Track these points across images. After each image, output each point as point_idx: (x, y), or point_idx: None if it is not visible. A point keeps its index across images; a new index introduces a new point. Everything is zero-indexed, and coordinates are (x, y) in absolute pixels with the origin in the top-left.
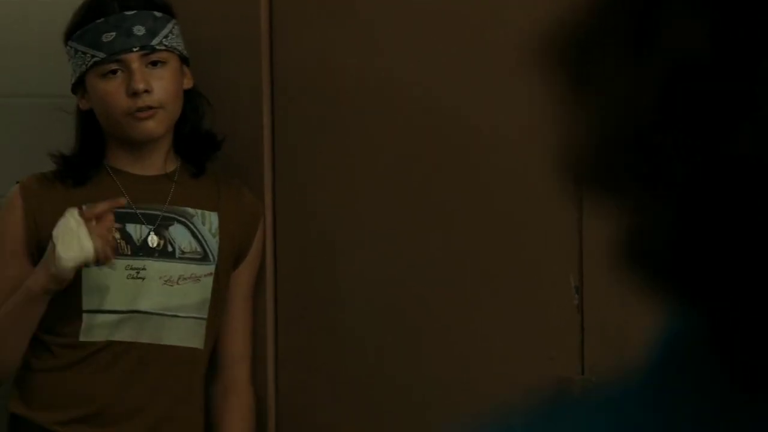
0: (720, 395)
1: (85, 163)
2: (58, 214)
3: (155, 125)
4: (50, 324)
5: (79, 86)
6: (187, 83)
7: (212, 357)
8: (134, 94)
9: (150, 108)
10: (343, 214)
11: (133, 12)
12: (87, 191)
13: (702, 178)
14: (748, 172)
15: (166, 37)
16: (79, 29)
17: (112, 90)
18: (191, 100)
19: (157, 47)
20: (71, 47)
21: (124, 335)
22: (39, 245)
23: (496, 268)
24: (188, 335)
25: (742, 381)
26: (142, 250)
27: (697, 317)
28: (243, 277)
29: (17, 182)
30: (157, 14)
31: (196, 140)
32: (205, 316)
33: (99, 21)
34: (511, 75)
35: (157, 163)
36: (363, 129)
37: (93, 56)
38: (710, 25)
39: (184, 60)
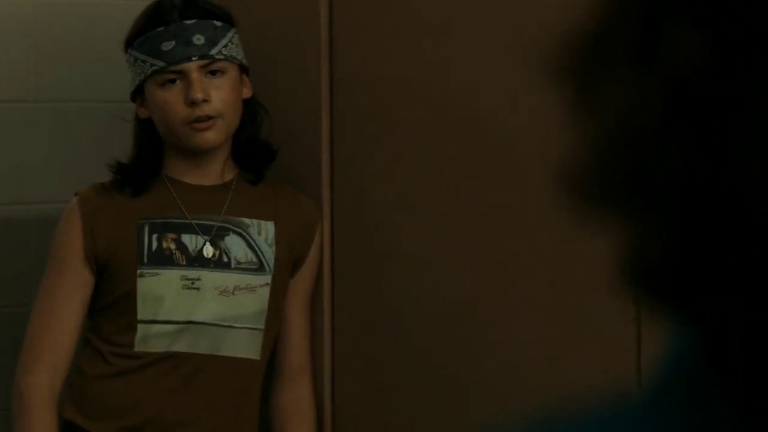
0: (720, 415)
1: (143, 172)
2: (116, 224)
3: (214, 135)
4: (105, 333)
5: (138, 94)
6: (246, 92)
7: (271, 367)
8: (192, 103)
9: (209, 118)
10: (400, 222)
11: (193, 21)
12: (144, 201)
13: (701, 196)
14: (748, 187)
15: (225, 46)
16: (139, 37)
17: (170, 99)
18: (250, 109)
19: (216, 57)
20: (131, 55)
21: (179, 346)
22: (96, 256)
23: (553, 278)
24: (245, 346)
25: (743, 400)
26: (197, 260)
27: (696, 336)
28: (300, 284)
29: (76, 194)
30: (217, 23)
31: (253, 149)
32: (262, 327)
33: (159, 29)
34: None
35: (215, 172)
36: (419, 139)
37: (152, 65)
38: (711, 36)
39: (243, 69)
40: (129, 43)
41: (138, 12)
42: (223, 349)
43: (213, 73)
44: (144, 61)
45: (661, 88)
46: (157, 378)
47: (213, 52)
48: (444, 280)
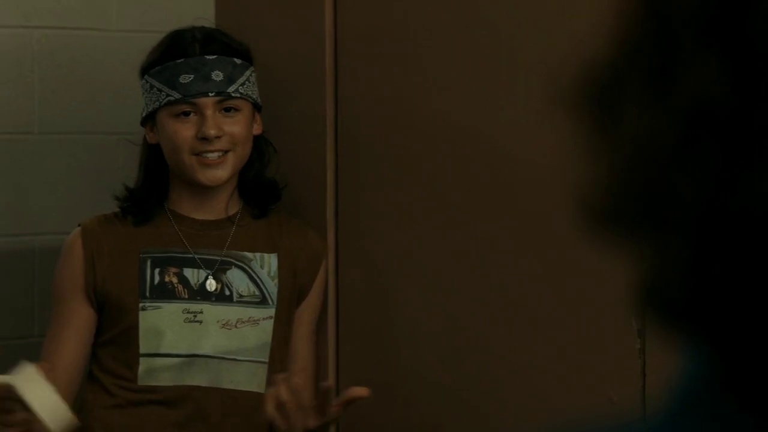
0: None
1: (148, 199)
2: (118, 256)
3: (221, 173)
4: (109, 366)
5: (149, 119)
6: (257, 129)
7: None
8: (204, 138)
9: (218, 153)
10: (405, 253)
11: (213, 57)
12: (147, 234)
13: (719, 221)
14: (764, 216)
15: (242, 84)
16: (157, 65)
17: (182, 130)
18: (258, 145)
19: (233, 95)
20: (147, 81)
21: (183, 379)
22: (96, 289)
23: (557, 310)
24: (248, 379)
25: (758, 423)
26: (199, 293)
27: (712, 359)
28: (303, 316)
29: (79, 225)
30: (237, 61)
31: (259, 187)
32: (266, 360)
33: (179, 61)
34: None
35: (219, 207)
36: (424, 170)
37: (168, 95)
38: (730, 68)
39: (256, 107)
40: (146, 70)
41: (143, 44)
42: (226, 382)
43: (227, 110)
44: (160, 90)
45: (680, 116)
46: (160, 411)
47: (230, 89)
48: (446, 314)
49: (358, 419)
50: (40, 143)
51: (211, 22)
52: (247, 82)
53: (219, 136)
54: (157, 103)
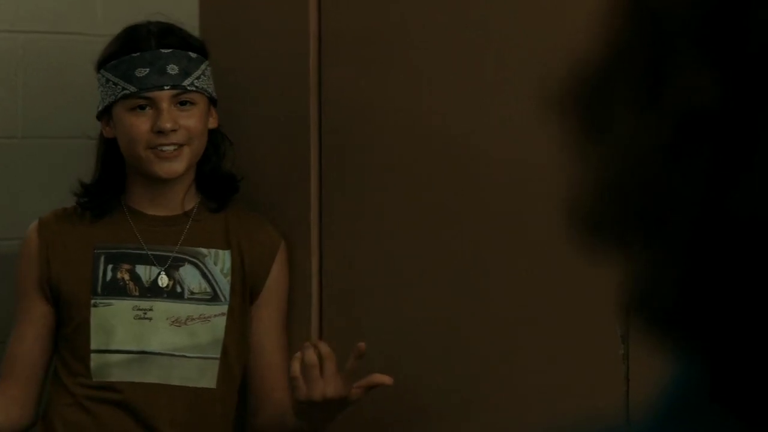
0: None
1: (103, 193)
2: (72, 252)
3: (177, 165)
4: (67, 362)
5: (105, 114)
6: (212, 123)
7: (247, 399)
8: (160, 132)
9: (174, 146)
10: (389, 253)
11: (169, 50)
12: (102, 230)
13: (709, 228)
14: (755, 223)
15: (198, 78)
16: (113, 60)
17: (138, 124)
18: (214, 139)
19: (189, 88)
20: (103, 75)
21: (133, 375)
22: (50, 283)
23: (540, 315)
24: (197, 375)
25: (747, 429)
26: (150, 291)
27: (701, 366)
28: (262, 313)
29: (38, 218)
30: (192, 55)
31: (217, 180)
32: (218, 356)
33: (134, 55)
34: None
35: (175, 202)
36: (409, 170)
37: (123, 88)
38: (720, 75)
39: (212, 101)
40: (102, 64)
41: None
42: (175, 378)
43: (183, 103)
44: (116, 84)
45: (670, 123)
46: (115, 407)
47: (185, 83)
48: (434, 307)
49: (341, 417)
50: (24, 148)
51: (195, 25)
52: (202, 76)
53: (175, 130)
54: (113, 96)
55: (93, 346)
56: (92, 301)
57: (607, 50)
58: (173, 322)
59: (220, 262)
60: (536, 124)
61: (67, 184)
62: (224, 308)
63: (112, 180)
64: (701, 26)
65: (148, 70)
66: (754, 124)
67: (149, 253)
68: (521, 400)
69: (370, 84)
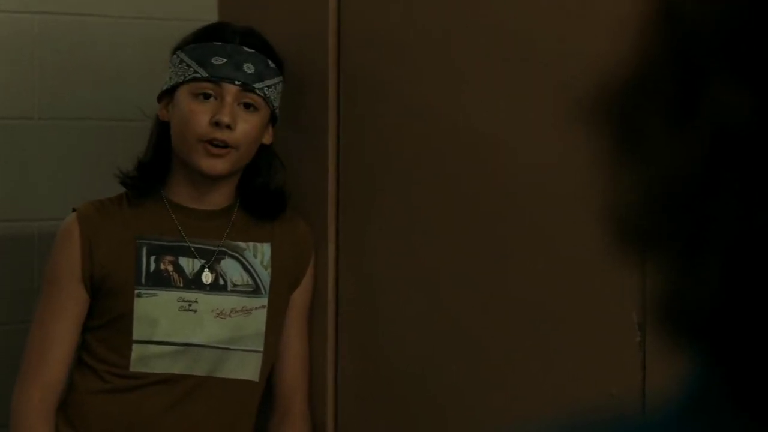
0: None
1: (150, 177)
2: (115, 243)
3: (222, 165)
4: (100, 352)
5: (167, 95)
6: (268, 139)
7: (268, 389)
8: (216, 124)
9: (226, 146)
10: (407, 257)
11: (251, 50)
12: (143, 222)
13: (742, 244)
14: None
15: (269, 87)
16: (193, 43)
17: (197, 110)
18: (267, 156)
19: (258, 92)
20: (178, 56)
21: (177, 368)
22: (93, 275)
23: (557, 304)
24: (242, 368)
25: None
26: (194, 283)
27: (720, 371)
28: (296, 303)
29: (73, 209)
30: (271, 64)
31: (265, 196)
32: (261, 349)
33: (216, 43)
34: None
35: (215, 200)
36: (429, 174)
37: (195, 71)
38: (752, 93)
39: (273, 117)
40: (180, 46)
41: (144, 31)
42: (221, 371)
43: (247, 106)
44: (189, 66)
45: (703, 138)
46: (151, 398)
47: (257, 85)
48: (447, 308)
49: (355, 416)
50: (40, 129)
51: (214, 12)
52: (274, 88)
53: (230, 127)
54: (182, 77)
55: (136, 336)
56: (136, 291)
57: (638, 62)
58: (218, 314)
59: (260, 254)
60: (560, 127)
61: (82, 166)
62: (264, 301)
63: (159, 166)
64: (732, 44)
65: (225, 60)
66: None
67: (191, 246)
68: (539, 389)
69: (390, 82)
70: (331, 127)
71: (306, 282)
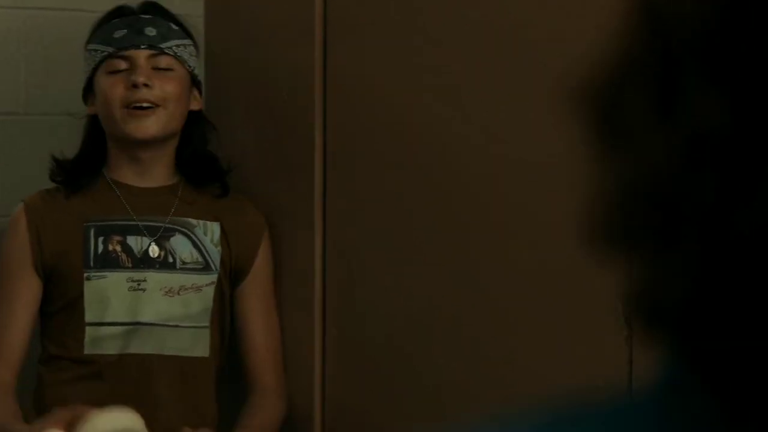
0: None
1: (81, 166)
2: (62, 229)
3: (151, 124)
4: (57, 337)
5: (89, 91)
6: (195, 105)
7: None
8: (134, 86)
9: (149, 106)
10: (394, 244)
11: (148, 16)
12: (90, 204)
13: (716, 241)
14: (761, 240)
15: (178, 47)
16: (95, 31)
17: (114, 83)
18: (197, 122)
19: (166, 51)
20: (86, 50)
21: (127, 347)
22: (44, 262)
23: (544, 298)
24: (192, 344)
25: (737, 417)
26: (143, 262)
27: (693, 368)
28: (252, 291)
29: (22, 201)
30: (174, 27)
31: (197, 162)
32: (207, 324)
33: (114, 20)
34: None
35: (158, 175)
36: (414, 164)
37: (102, 51)
38: (730, 97)
39: (195, 81)
40: (87, 41)
41: None
42: (170, 348)
43: (161, 70)
44: (95, 50)
45: (681, 139)
46: (110, 380)
47: (163, 45)
48: (438, 297)
49: (343, 402)
50: (26, 123)
51: (200, 8)
52: (183, 48)
53: (148, 85)
54: (93, 62)
55: (88, 318)
56: (85, 275)
57: (620, 59)
58: (167, 292)
59: (209, 232)
60: (546, 122)
61: (39, 160)
62: (214, 277)
63: (92, 155)
64: (709, 44)
65: (125, 31)
66: (763, 146)
67: (140, 224)
68: (526, 384)
69: (376, 78)
70: (317, 121)
71: (258, 270)
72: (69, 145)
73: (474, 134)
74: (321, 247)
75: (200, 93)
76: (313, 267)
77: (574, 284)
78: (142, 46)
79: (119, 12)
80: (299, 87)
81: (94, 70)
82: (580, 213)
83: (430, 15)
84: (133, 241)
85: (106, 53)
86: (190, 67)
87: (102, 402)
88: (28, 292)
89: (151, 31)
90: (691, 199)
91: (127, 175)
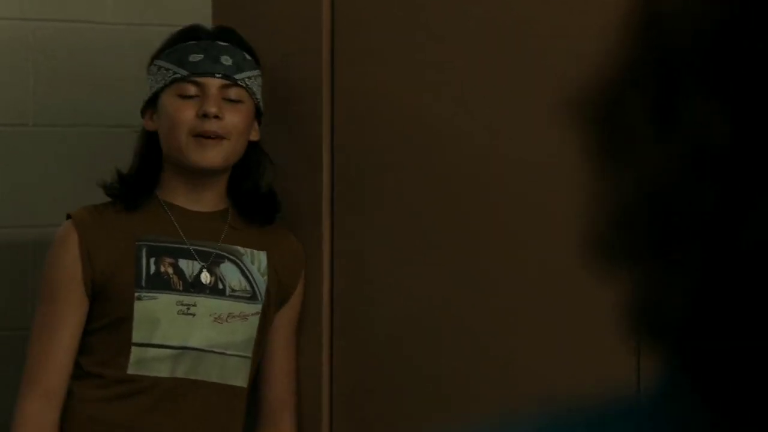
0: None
1: (139, 184)
2: (113, 246)
3: (215, 155)
4: (99, 356)
5: (151, 105)
6: (254, 135)
7: (254, 402)
8: (204, 116)
9: (216, 136)
10: (401, 253)
11: (225, 44)
12: (140, 223)
13: (717, 253)
14: (759, 256)
15: (250, 78)
16: (168, 48)
17: (184, 109)
18: (255, 154)
19: (239, 82)
20: (155, 65)
21: (173, 371)
22: (94, 279)
23: (550, 300)
24: (233, 373)
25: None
26: (193, 286)
27: (689, 378)
28: (286, 319)
29: (68, 216)
30: (247, 56)
31: (255, 197)
32: (250, 355)
33: (191, 42)
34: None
35: (211, 200)
36: (423, 171)
37: (175, 73)
38: (730, 108)
39: (258, 112)
40: (156, 56)
41: (139, 38)
42: (215, 375)
43: (230, 101)
44: (167, 69)
45: (681, 153)
46: (149, 402)
47: (237, 76)
48: (443, 313)
49: (352, 413)
50: (35, 135)
51: (209, 18)
52: (254, 80)
53: (218, 117)
54: (163, 81)
55: (135, 339)
56: (136, 294)
57: (619, 68)
58: (216, 318)
59: (257, 261)
60: (553, 122)
61: (77, 173)
62: (259, 307)
63: (149, 173)
64: (708, 58)
65: (202, 56)
66: (763, 157)
67: (191, 248)
68: (535, 392)
69: (383, 81)
70: (325, 131)
71: (295, 298)
72: (77, 157)
73: (480, 135)
74: (329, 259)
75: (259, 123)
76: (321, 285)
77: (581, 285)
78: (217, 75)
79: (195, 33)
80: (307, 89)
81: (162, 87)
82: (580, 226)
83: (437, 23)
84: (184, 264)
85: (178, 75)
86: (257, 99)
87: (136, 422)
88: (75, 314)
89: (227, 60)
90: (690, 210)
91: (179, 197)
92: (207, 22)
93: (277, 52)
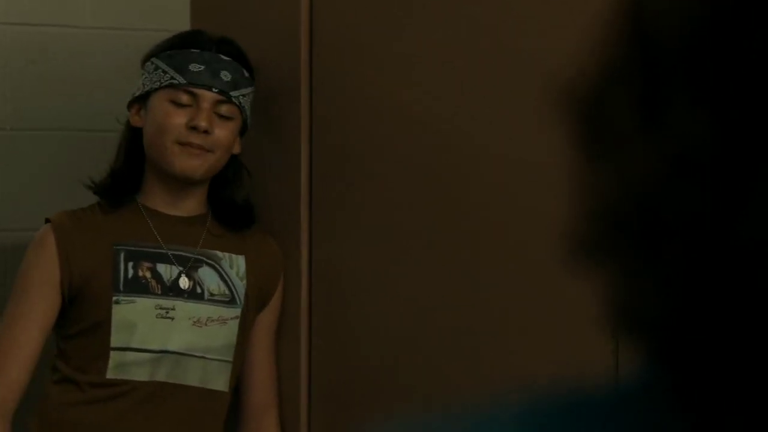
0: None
1: (123, 184)
2: (91, 250)
3: (198, 165)
4: (78, 361)
5: (139, 101)
6: (237, 148)
7: (237, 406)
8: (194, 128)
9: (202, 149)
10: (379, 250)
11: (227, 59)
12: (119, 227)
13: (699, 253)
14: (742, 256)
15: (244, 96)
16: (169, 50)
17: (175, 115)
18: (234, 165)
19: (233, 100)
20: (152, 63)
21: (151, 374)
22: (71, 282)
23: (530, 286)
24: (214, 377)
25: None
26: (172, 290)
27: (667, 375)
28: (266, 322)
29: (46, 219)
30: (246, 73)
31: (233, 208)
32: (231, 359)
33: (194, 50)
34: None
35: (189, 206)
36: (399, 169)
37: (172, 77)
38: (714, 109)
39: (244, 127)
40: (155, 53)
41: (116, 42)
42: (194, 379)
43: (221, 116)
44: (165, 72)
45: (665, 149)
46: (127, 406)
47: (233, 93)
48: (422, 312)
49: (331, 414)
50: (12, 139)
51: (186, 22)
52: (247, 97)
53: (208, 132)
54: (158, 83)
55: (114, 343)
56: (114, 298)
57: (604, 68)
58: (194, 322)
59: (235, 265)
60: (536, 125)
61: (55, 177)
62: (238, 311)
63: (131, 173)
64: (693, 58)
65: (203, 68)
66: (747, 164)
67: (169, 252)
68: (514, 371)
69: (363, 82)
70: (303, 132)
71: (275, 301)
72: (55, 161)
73: (461, 137)
74: (307, 263)
75: (242, 137)
76: (300, 288)
77: (561, 279)
78: (214, 90)
79: (198, 41)
80: (285, 90)
81: (155, 88)
82: (560, 222)
83: (416, 20)
84: (162, 268)
85: (175, 81)
86: (246, 115)
87: (114, 426)
88: (45, 311)
89: (225, 76)
90: (673, 208)
91: (158, 202)
92: (185, 24)
93: (255, 54)
